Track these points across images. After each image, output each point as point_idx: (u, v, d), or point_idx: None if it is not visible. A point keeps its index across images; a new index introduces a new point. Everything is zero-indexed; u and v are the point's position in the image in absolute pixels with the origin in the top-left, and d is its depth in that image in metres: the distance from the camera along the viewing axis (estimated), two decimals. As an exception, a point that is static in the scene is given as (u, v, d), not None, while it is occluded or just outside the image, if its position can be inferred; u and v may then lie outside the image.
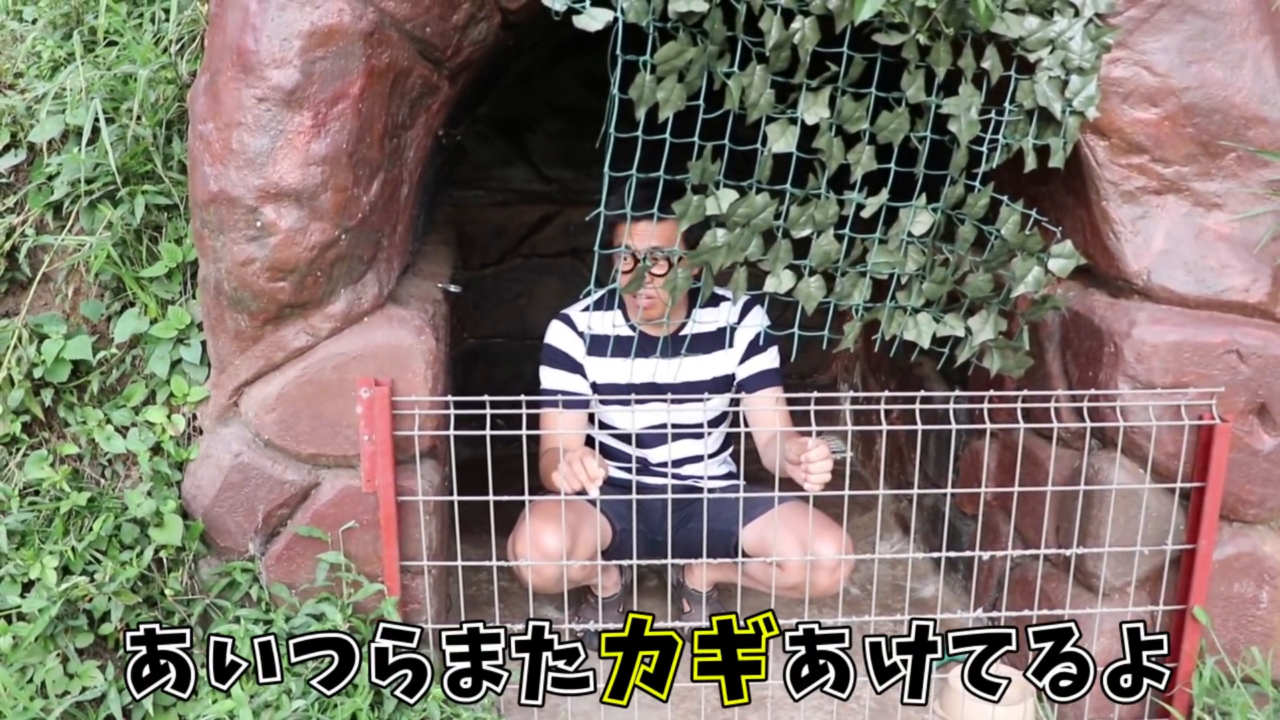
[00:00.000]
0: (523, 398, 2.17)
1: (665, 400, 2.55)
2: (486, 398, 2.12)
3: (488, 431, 2.12)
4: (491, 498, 2.21)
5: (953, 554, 2.65)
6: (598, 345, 2.68)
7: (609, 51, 1.98)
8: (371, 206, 2.15)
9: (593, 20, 1.94)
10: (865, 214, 2.18)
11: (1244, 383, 2.22)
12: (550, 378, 2.70)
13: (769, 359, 2.73)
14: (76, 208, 2.34)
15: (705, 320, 2.67)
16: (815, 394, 2.24)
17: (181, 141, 2.33)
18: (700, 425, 2.74)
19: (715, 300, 2.67)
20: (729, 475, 2.91)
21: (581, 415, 2.69)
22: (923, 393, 2.33)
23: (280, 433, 2.24)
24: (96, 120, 2.28)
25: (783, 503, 2.57)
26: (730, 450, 2.94)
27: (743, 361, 2.72)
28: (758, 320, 2.74)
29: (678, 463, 2.82)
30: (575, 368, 2.69)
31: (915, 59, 2.05)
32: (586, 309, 2.73)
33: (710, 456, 2.84)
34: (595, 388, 2.71)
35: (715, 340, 2.70)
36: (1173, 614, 2.35)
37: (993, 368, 2.31)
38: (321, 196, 2.07)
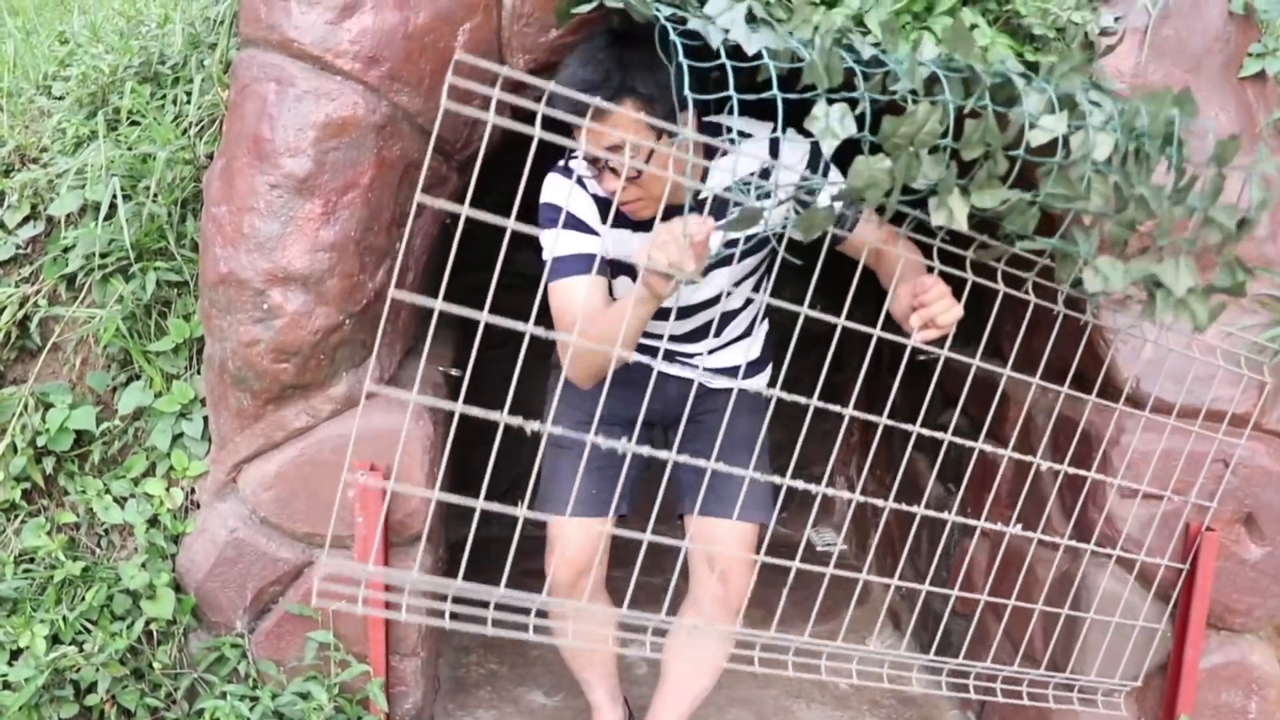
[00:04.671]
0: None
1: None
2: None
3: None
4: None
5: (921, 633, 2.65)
6: (607, 211, 2.07)
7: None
8: (377, 293, 2.21)
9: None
10: (1036, 139, 1.75)
11: (1231, 492, 2.24)
12: (562, 241, 2.05)
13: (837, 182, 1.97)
14: (89, 280, 2.39)
15: (729, 170, 2.03)
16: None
17: (195, 221, 2.39)
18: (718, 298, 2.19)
19: (734, 141, 2.07)
20: (748, 367, 2.36)
21: (598, 280, 2.08)
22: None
23: (276, 511, 2.26)
24: (114, 197, 2.34)
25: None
26: (763, 324, 2.40)
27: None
28: (794, 149, 2.05)
29: (684, 337, 2.31)
30: (586, 229, 2.07)
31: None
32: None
33: (733, 336, 2.32)
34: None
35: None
36: (1160, 722, 2.35)
37: (1196, 321, 1.91)
38: (328, 282, 2.12)
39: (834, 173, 2.09)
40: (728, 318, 2.30)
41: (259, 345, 2.14)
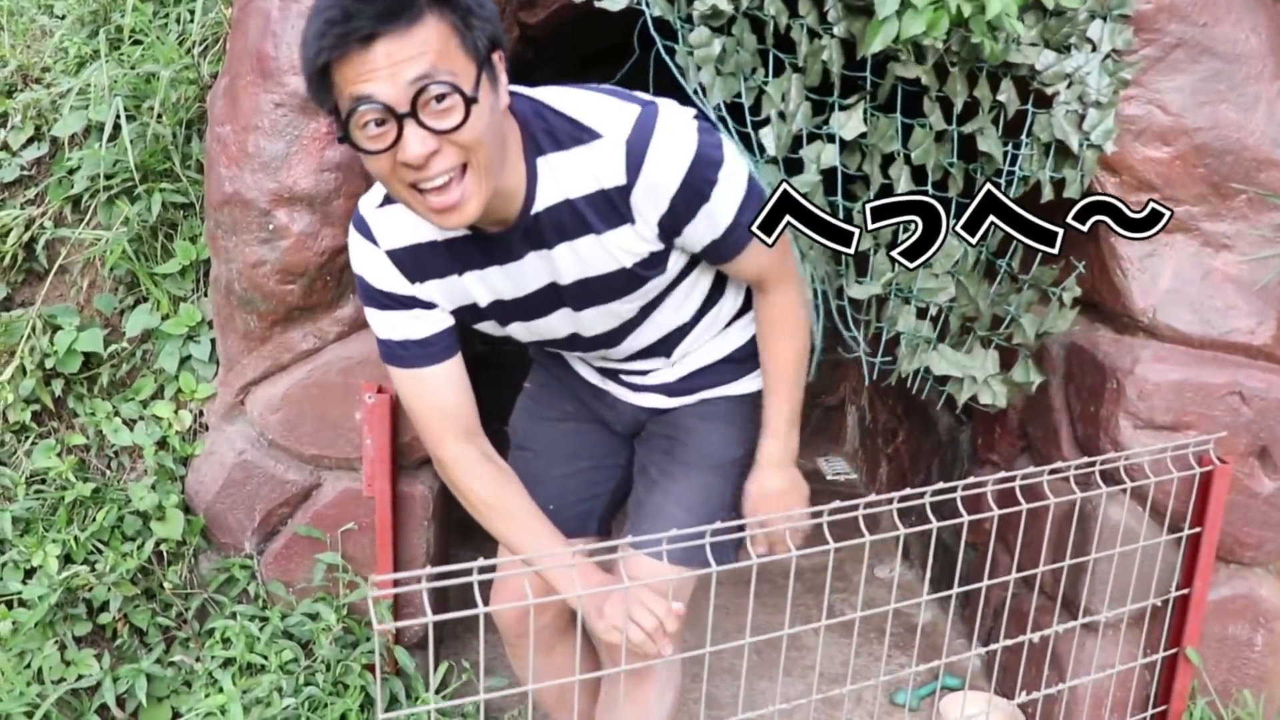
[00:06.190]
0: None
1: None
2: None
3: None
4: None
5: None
6: (413, 265, 1.62)
7: (636, 32, 1.80)
8: (383, 214, 2.18)
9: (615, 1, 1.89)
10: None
11: (1245, 425, 2.21)
12: (379, 322, 1.68)
13: (722, 206, 1.57)
14: (95, 202, 2.37)
15: (568, 176, 1.52)
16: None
17: (200, 141, 2.37)
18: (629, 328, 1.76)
19: (575, 137, 1.51)
20: (724, 363, 1.89)
21: (450, 368, 1.69)
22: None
23: (284, 433, 2.26)
24: (118, 117, 2.31)
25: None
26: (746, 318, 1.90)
27: (668, 234, 1.59)
28: (665, 167, 1.50)
29: (627, 365, 1.89)
30: (407, 302, 1.65)
31: (934, 88, 2.04)
32: (383, 204, 1.61)
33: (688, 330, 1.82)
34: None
35: (601, 209, 1.55)
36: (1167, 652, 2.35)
37: (994, 400, 2.27)
38: (334, 202, 2.10)
39: (663, 147, 1.52)
40: (682, 331, 1.82)
41: (265, 266, 2.12)
